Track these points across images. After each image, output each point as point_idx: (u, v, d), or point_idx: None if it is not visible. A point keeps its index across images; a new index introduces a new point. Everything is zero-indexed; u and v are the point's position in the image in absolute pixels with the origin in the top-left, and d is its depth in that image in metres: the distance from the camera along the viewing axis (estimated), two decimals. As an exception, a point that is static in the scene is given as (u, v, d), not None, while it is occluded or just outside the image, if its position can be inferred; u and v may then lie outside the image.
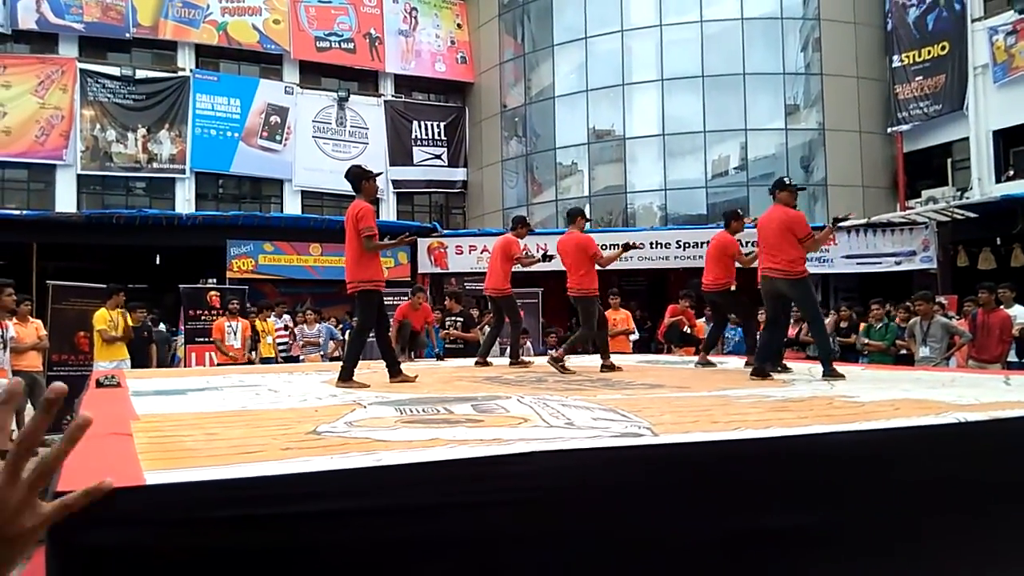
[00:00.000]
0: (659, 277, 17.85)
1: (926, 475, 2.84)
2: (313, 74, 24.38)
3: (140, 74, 22.12)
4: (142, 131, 21.85)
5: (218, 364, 10.26)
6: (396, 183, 24.84)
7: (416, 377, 5.68)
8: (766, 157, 21.27)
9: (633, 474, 2.43)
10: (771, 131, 21.17)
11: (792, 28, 21.39)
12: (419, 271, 18.07)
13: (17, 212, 17.44)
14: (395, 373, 5.72)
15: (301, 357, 11.91)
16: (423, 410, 3.61)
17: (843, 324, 11.08)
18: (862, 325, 10.81)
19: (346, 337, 12.80)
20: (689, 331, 11.25)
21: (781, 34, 21.14)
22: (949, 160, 19.75)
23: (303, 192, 23.33)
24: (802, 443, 2.76)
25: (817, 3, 21.17)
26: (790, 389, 4.70)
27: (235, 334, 10.48)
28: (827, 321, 10.83)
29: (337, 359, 11.66)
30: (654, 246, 16.81)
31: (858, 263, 16.63)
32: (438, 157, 25.58)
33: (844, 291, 17.08)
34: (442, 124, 25.62)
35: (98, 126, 21.55)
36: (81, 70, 21.39)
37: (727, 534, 2.48)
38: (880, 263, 16.40)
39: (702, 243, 17.16)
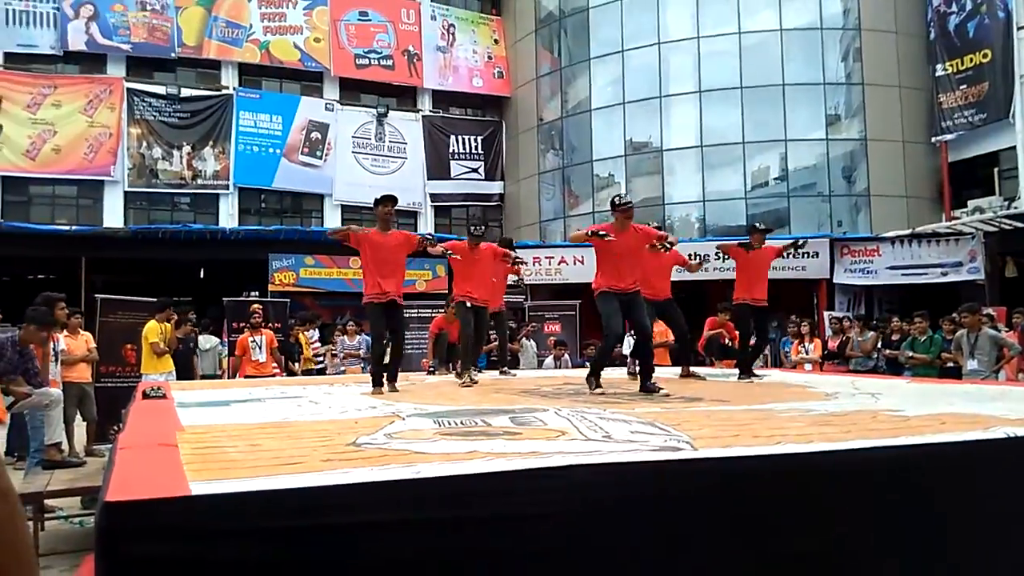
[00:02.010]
0: (697, 289, 17.69)
1: (973, 491, 2.78)
2: (353, 91, 24.71)
3: (185, 92, 22.61)
4: (187, 148, 22.31)
5: (246, 376, 10.08)
6: (434, 197, 25.02)
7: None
8: (807, 168, 21.01)
9: (672, 488, 2.41)
10: (812, 141, 20.91)
11: (832, 38, 21.14)
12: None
13: (67, 228, 17.90)
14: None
15: (342, 369, 11.98)
16: (461, 422, 3.62)
17: (895, 336, 10.87)
18: (903, 337, 10.61)
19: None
20: (729, 343, 11.14)
21: (821, 44, 20.90)
22: (996, 169, 19.30)
23: (343, 206, 23.60)
24: (845, 458, 2.72)
25: (858, 13, 20.91)
26: (833, 403, 4.63)
27: (259, 348, 10.32)
28: (872, 335, 10.67)
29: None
30: (692, 258, 16.68)
31: (903, 274, 16.32)
32: (475, 171, 25.72)
33: (888, 303, 16.76)
34: (479, 138, 25.77)
35: (144, 144, 22.06)
36: (128, 89, 21.93)
37: (766, 550, 2.45)
38: (926, 274, 16.07)
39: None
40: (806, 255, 16.35)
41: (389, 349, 6.81)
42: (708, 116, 21.26)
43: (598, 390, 5.79)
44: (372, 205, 6.64)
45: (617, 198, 6.34)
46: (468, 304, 7.44)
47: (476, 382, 6.95)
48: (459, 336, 7.70)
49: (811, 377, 7.87)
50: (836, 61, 21.30)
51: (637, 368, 7.68)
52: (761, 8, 21.15)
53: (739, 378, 7.36)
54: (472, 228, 7.87)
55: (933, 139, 20.17)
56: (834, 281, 16.48)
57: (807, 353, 11.32)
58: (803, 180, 20.95)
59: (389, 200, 6.59)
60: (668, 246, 6.53)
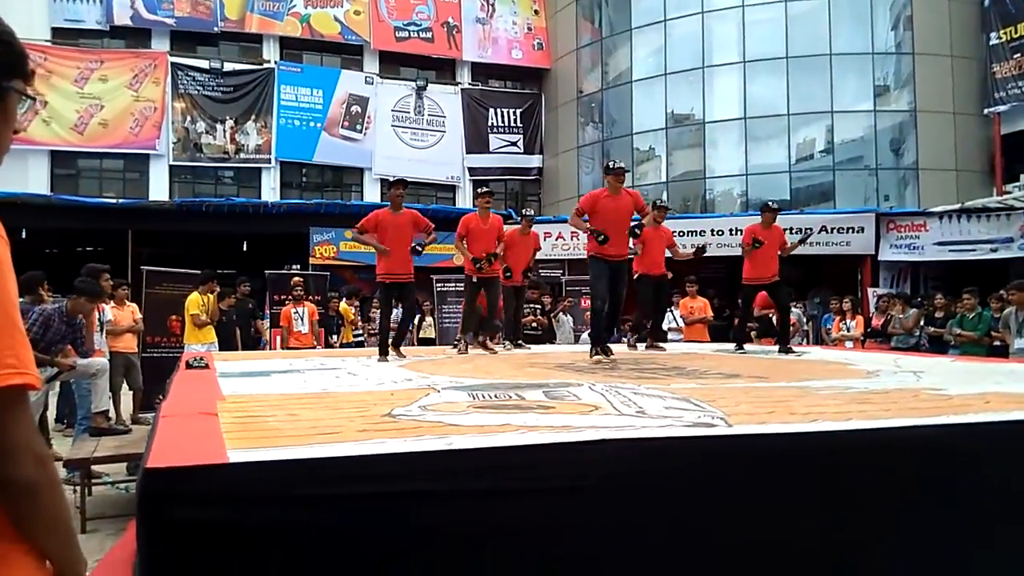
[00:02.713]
0: (738, 265, 17.40)
1: (1018, 472, 2.72)
2: (392, 64, 24.71)
3: (227, 67, 22.83)
4: (230, 122, 22.57)
5: (287, 348, 10.40)
6: (472, 171, 25.00)
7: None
8: (854, 140, 20.54)
9: (705, 465, 2.40)
10: (859, 113, 20.41)
11: (882, 6, 20.53)
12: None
13: (114, 200, 18.25)
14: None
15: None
16: (495, 396, 3.64)
17: (938, 314, 10.64)
18: (947, 315, 10.37)
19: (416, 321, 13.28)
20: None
21: (870, 13, 20.31)
22: (1051, 142, 18.70)
23: (382, 180, 23.72)
24: (884, 437, 2.68)
25: (909, -21, 20.28)
26: (874, 381, 4.55)
27: (302, 320, 10.57)
28: (914, 312, 10.46)
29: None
30: (733, 232, 16.47)
31: (950, 250, 15.89)
32: (514, 144, 25.62)
33: (934, 279, 16.35)
34: (518, 111, 25.63)
35: (188, 118, 22.37)
36: (172, 63, 22.22)
37: (801, 528, 2.43)
38: (974, 250, 15.63)
39: (785, 229, 16.76)
40: (851, 230, 16.03)
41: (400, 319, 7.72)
42: (752, 87, 20.86)
43: (596, 357, 6.21)
44: (393, 183, 7.25)
45: (611, 162, 6.86)
46: (475, 278, 7.81)
47: (465, 352, 7.64)
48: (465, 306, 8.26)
49: (852, 355, 7.75)
50: (886, 30, 20.69)
51: (635, 340, 8.43)
52: (809, -24, 20.60)
53: (736, 351, 7.80)
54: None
55: (985, 111, 19.55)
56: (879, 258, 16.13)
57: (848, 330, 11.15)
58: (849, 153, 20.49)
59: (400, 183, 7.19)
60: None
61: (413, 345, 12.18)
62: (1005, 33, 18.94)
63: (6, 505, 1.09)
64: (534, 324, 11.91)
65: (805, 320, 12.32)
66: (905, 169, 20.12)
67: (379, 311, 7.64)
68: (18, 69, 1.26)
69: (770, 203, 8.26)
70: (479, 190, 8.16)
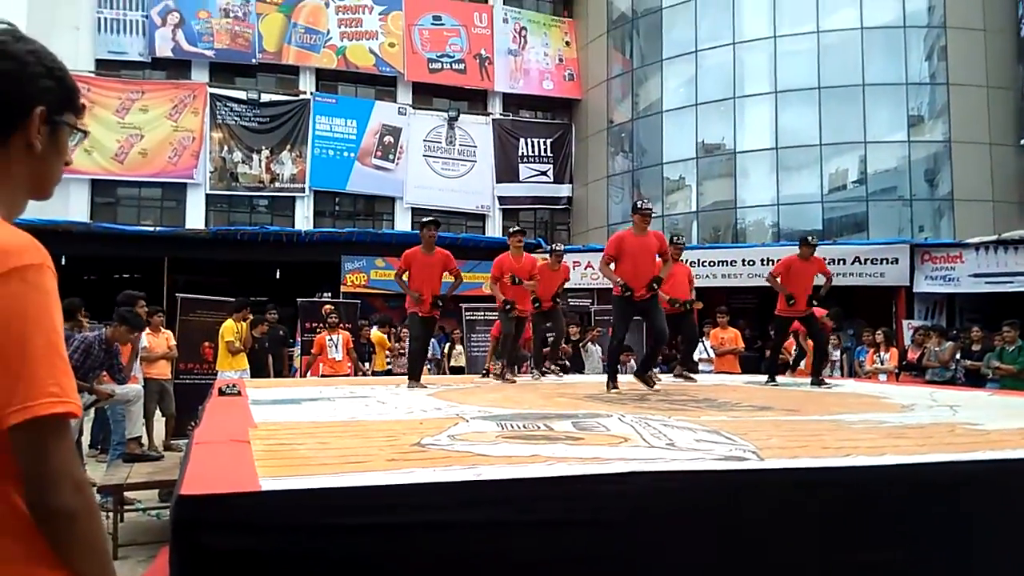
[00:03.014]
0: (770, 295, 17.24)
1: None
2: (425, 94, 25.05)
3: (265, 98, 23.29)
4: (266, 152, 22.97)
5: (322, 376, 10.47)
6: (502, 200, 25.15)
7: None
8: (887, 171, 20.35)
9: (736, 498, 2.38)
10: (893, 143, 20.25)
11: (916, 37, 20.44)
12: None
13: (152, 228, 18.62)
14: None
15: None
16: (524, 426, 3.64)
17: (975, 347, 10.44)
18: (984, 348, 10.17)
19: (445, 351, 13.36)
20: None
21: (904, 43, 20.22)
22: (1090, 172, 18.38)
23: (413, 209, 23.94)
24: (919, 472, 2.63)
25: (943, 10, 20.15)
26: (909, 415, 4.48)
27: (336, 347, 10.67)
28: (950, 345, 10.28)
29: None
30: (764, 263, 16.35)
31: (987, 282, 15.62)
32: (544, 174, 25.75)
33: (970, 311, 16.07)
34: (548, 141, 25.80)
35: (225, 148, 22.81)
36: (211, 94, 22.72)
37: (832, 565, 2.39)
38: (1012, 282, 15.34)
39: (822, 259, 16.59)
40: (885, 261, 15.84)
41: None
42: (784, 117, 20.80)
43: (614, 391, 6.31)
44: (425, 224, 7.48)
45: (640, 202, 7.11)
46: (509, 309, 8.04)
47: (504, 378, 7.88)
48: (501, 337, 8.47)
49: (886, 388, 7.63)
50: (920, 60, 20.58)
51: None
52: (842, 6, 20.57)
53: (768, 383, 7.78)
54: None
55: (1021, 141, 19.28)
56: (914, 289, 15.90)
57: (882, 363, 10.97)
58: (883, 184, 20.29)
59: (433, 225, 7.46)
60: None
61: (445, 373, 12.26)
62: (1041, 63, 18.74)
63: (45, 531, 1.11)
64: (561, 354, 11.86)
65: (839, 352, 12.13)
66: (940, 200, 19.88)
67: (409, 339, 7.94)
68: (70, 104, 1.31)
69: (809, 238, 8.23)
70: (511, 230, 8.49)
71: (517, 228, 8.37)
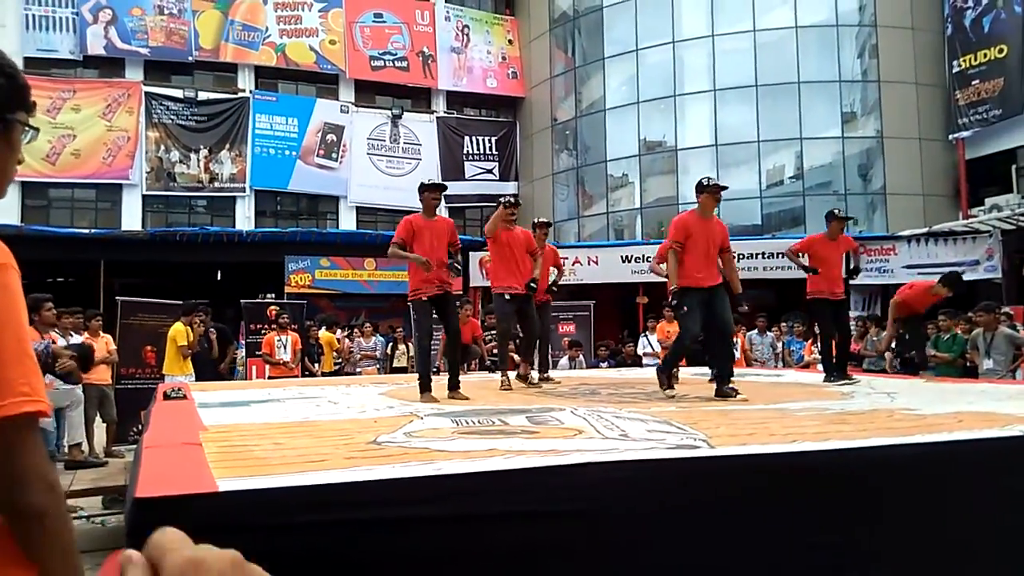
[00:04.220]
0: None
1: (989, 488, 2.79)
2: (368, 92, 24.83)
3: (202, 96, 22.78)
4: (204, 151, 22.48)
5: (269, 377, 10.41)
6: (448, 198, 24.96)
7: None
8: (823, 166, 20.91)
9: (688, 486, 2.44)
10: (827, 140, 20.82)
11: (848, 35, 21.03)
12: (471, 285, 18.22)
13: (86, 231, 18.10)
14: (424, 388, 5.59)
15: (359, 370, 12.10)
16: (479, 422, 3.67)
17: (908, 336, 10.79)
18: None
19: (387, 351, 12.95)
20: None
21: (836, 41, 20.80)
22: (1014, 167, 19.14)
23: (358, 208, 23.72)
24: (860, 456, 2.74)
25: (874, 9, 20.79)
26: (849, 402, 4.63)
27: (285, 348, 10.63)
28: (886, 334, 10.60)
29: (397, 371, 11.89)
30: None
31: (919, 273, 16.16)
32: (489, 172, 25.77)
33: (904, 302, 16.66)
34: (493, 139, 25.83)
35: (162, 147, 22.26)
36: (146, 93, 22.13)
37: (782, 546, 2.47)
38: (941, 273, 15.97)
39: (757, 254, 16.96)
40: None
41: (444, 344, 6.55)
42: (723, 115, 21.21)
43: (670, 392, 5.32)
44: (428, 187, 6.30)
45: (706, 179, 6.11)
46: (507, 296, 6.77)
47: (530, 383, 6.77)
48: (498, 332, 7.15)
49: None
50: (852, 58, 21.18)
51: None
52: (776, 5, 21.07)
53: (826, 380, 6.73)
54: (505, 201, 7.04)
55: (950, 136, 20.02)
56: (849, 281, 16.39)
57: (819, 353, 11.28)
58: (819, 179, 20.85)
59: (436, 187, 6.31)
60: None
61: (388, 373, 11.95)
62: (965, 61, 19.46)
63: (16, 530, 1.10)
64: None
65: (779, 345, 12.42)
66: (873, 194, 20.51)
67: (416, 336, 6.25)
68: (22, 102, 1.29)
69: (836, 211, 7.47)
70: (504, 200, 7.12)
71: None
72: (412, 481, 2.17)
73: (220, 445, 2.92)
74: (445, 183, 6.65)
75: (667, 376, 5.47)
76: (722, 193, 5.99)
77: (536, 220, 7.65)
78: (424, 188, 6.24)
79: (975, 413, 3.75)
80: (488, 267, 6.98)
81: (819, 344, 8.16)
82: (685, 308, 5.60)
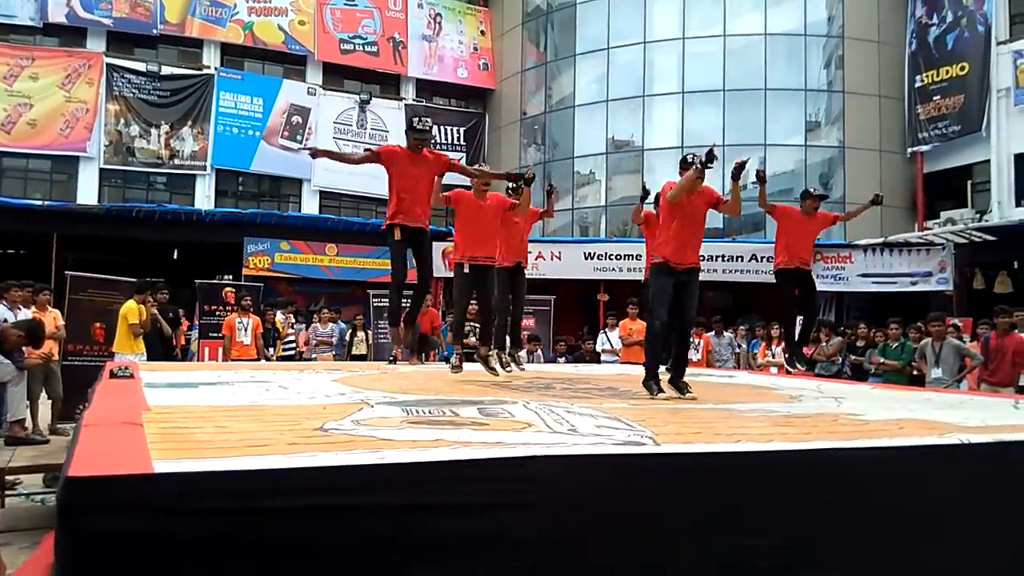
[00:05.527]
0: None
1: (925, 494, 2.85)
2: (336, 76, 24.55)
3: (166, 70, 22.35)
4: (165, 127, 22.06)
5: (233, 359, 10.29)
6: (414, 187, 24.94)
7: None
8: (785, 173, 21.18)
9: (633, 482, 2.46)
10: (791, 147, 21.11)
11: (816, 45, 21.35)
12: (433, 275, 18.12)
13: (40, 203, 17.64)
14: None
15: (314, 356, 11.99)
16: (429, 411, 3.65)
17: (859, 343, 11.01)
18: (868, 344, 10.74)
19: (347, 338, 12.68)
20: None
21: (804, 51, 21.10)
22: (969, 182, 19.61)
23: (321, 192, 23.47)
24: (802, 458, 2.78)
25: (842, 21, 21.12)
26: (797, 405, 4.70)
27: (246, 331, 10.51)
28: (837, 340, 10.79)
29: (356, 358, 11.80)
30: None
31: (873, 282, 16.53)
32: (457, 162, 25.66)
33: (857, 309, 16.98)
34: (462, 129, 25.72)
35: (122, 121, 21.80)
36: (108, 65, 21.64)
37: (723, 545, 2.50)
38: (895, 283, 16.29)
39: (717, 256, 17.13)
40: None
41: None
42: (690, 117, 21.37)
43: (661, 395, 4.98)
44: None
45: (691, 155, 5.89)
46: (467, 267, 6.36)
47: (491, 367, 6.32)
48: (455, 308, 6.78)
49: (777, 380, 7.97)
50: (819, 68, 21.50)
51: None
52: (747, 11, 21.30)
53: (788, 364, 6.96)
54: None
55: (909, 150, 20.43)
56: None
57: (774, 356, 11.45)
58: (781, 185, 21.09)
59: (419, 132, 5.97)
60: None
61: (346, 360, 11.88)
62: (927, 76, 19.86)
63: None
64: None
65: (737, 345, 12.59)
66: (833, 203, 20.81)
67: (393, 279, 5.95)
68: None
69: (812, 189, 7.69)
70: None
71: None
72: (353, 469, 2.15)
73: (161, 426, 2.86)
74: (428, 130, 6.20)
75: (655, 382, 5.10)
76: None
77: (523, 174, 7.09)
78: (411, 128, 6.00)
79: (917, 421, 3.83)
80: (451, 251, 6.71)
81: (783, 327, 8.16)
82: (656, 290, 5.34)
